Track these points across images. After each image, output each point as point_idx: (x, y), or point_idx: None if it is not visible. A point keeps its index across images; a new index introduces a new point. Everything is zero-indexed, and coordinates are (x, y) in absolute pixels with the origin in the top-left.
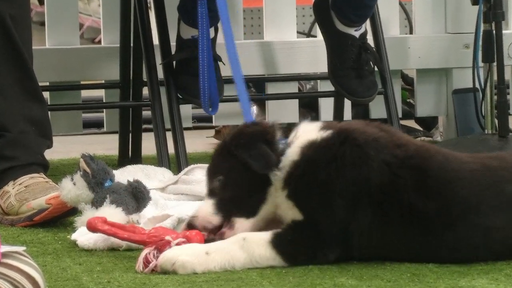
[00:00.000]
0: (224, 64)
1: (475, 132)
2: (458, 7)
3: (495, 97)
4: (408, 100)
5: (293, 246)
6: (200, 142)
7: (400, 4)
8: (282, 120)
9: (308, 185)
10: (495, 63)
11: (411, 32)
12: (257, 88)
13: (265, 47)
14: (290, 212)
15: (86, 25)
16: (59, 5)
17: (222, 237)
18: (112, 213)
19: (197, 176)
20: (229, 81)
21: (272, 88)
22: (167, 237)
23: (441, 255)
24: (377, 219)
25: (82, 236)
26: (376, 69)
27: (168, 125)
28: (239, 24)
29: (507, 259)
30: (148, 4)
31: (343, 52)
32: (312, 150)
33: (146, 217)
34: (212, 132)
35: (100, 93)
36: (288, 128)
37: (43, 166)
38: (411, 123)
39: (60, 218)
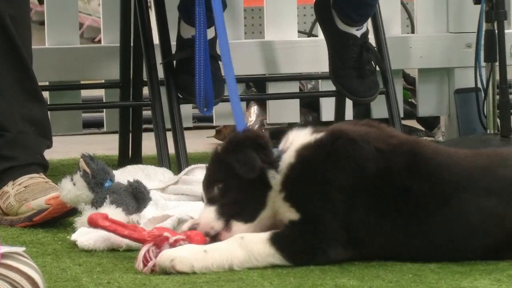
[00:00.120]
0: None
1: (477, 132)
2: (460, 6)
3: (497, 97)
4: (409, 100)
5: (292, 242)
6: (200, 142)
7: (402, 3)
8: (283, 120)
9: (304, 184)
10: (497, 63)
11: (412, 32)
12: (258, 87)
13: (266, 46)
14: (287, 215)
15: (86, 25)
16: (58, 5)
17: (219, 238)
18: (112, 213)
19: (198, 176)
20: None
21: (273, 88)
22: (165, 233)
23: (436, 234)
24: (375, 206)
25: (82, 236)
26: (377, 68)
27: (168, 125)
28: (239, 23)
29: (501, 240)
30: (148, 3)
31: (344, 51)
32: (307, 151)
33: (146, 218)
34: (212, 132)
35: (100, 92)
36: (280, 133)
37: (43, 166)
38: (412, 123)
39: (60, 218)
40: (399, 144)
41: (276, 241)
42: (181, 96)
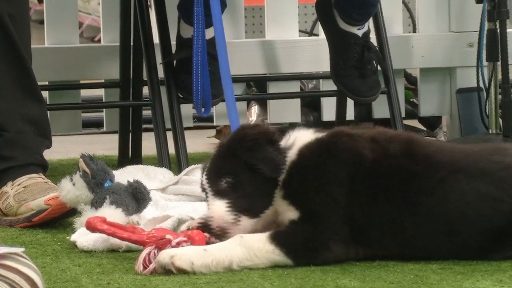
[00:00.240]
0: None
1: (479, 132)
2: (462, 5)
3: (500, 97)
4: (411, 100)
5: (292, 238)
6: (201, 142)
7: (404, 2)
8: (284, 120)
9: (303, 181)
10: (499, 62)
11: (414, 31)
12: (259, 87)
13: (267, 46)
14: (286, 213)
15: (86, 24)
16: (58, 4)
17: (228, 235)
18: (112, 214)
19: (198, 177)
20: (231, 80)
21: (273, 88)
22: (168, 236)
23: (434, 215)
24: (374, 191)
25: (82, 237)
26: (379, 68)
27: (168, 124)
28: (240, 22)
29: (499, 225)
30: (148, 3)
31: (345, 51)
32: (308, 148)
33: (146, 218)
34: (213, 132)
35: (99, 92)
36: (284, 131)
37: (42, 167)
38: (414, 123)
39: (59, 219)
40: (395, 135)
41: (276, 238)
42: (181, 96)
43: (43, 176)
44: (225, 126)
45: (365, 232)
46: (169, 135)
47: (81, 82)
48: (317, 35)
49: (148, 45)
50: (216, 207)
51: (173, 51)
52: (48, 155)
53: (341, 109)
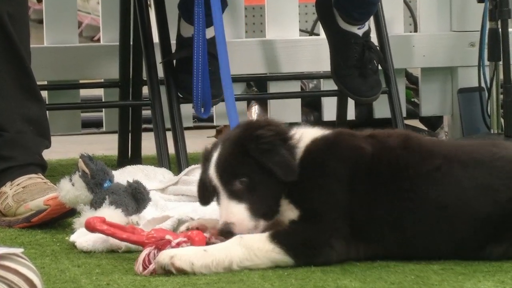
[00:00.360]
0: None
1: (480, 131)
2: (463, 4)
3: (501, 96)
4: (412, 99)
5: (291, 236)
6: (201, 142)
7: (405, 1)
8: (285, 119)
9: (304, 179)
10: (501, 62)
11: (415, 30)
12: (259, 87)
13: (267, 45)
14: (287, 213)
15: (85, 23)
16: (57, 3)
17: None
18: (111, 214)
19: (198, 177)
20: (232, 80)
21: (274, 87)
22: (167, 236)
23: (431, 203)
24: (374, 185)
25: (81, 237)
26: (380, 67)
27: (168, 124)
28: (240, 21)
29: (497, 215)
30: (148, 2)
31: (346, 50)
32: (313, 146)
33: (146, 219)
34: (213, 131)
35: (99, 92)
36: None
37: (41, 167)
38: (415, 123)
39: (59, 219)
40: (393, 132)
41: (276, 237)
42: (181, 96)
43: (42, 176)
44: (225, 126)
45: (365, 225)
46: (169, 135)
47: (81, 81)
48: (317, 34)
49: (147, 44)
50: (237, 212)
51: (173, 51)
52: (47, 155)
53: (341, 109)
